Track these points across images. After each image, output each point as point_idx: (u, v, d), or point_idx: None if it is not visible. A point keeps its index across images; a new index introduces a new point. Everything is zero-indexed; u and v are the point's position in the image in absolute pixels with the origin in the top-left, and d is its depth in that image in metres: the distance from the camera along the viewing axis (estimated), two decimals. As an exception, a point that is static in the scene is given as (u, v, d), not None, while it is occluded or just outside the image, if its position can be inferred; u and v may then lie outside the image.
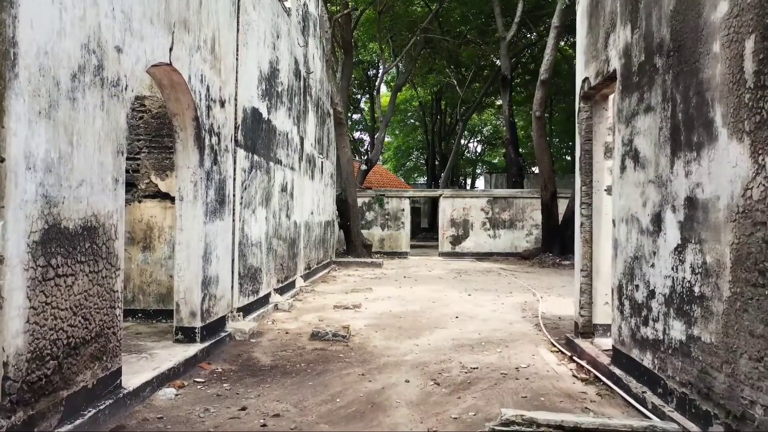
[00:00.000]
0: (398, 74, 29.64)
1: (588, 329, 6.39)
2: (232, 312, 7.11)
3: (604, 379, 5.17)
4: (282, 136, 9.79)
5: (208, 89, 6.16)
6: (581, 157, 6.51)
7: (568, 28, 17.53)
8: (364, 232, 20.18)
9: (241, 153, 7.41)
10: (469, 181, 53.52)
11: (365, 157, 27.23)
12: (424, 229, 37.30)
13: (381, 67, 29.42)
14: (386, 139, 48.57)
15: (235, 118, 7.21)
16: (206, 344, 5.99)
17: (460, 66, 30.62)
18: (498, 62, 29.73)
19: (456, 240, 21.01)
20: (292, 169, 10.67)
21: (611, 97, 6.34)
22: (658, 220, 4.35)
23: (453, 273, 15.32)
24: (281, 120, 9.68)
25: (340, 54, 22.64)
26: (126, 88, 4.36)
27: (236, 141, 7.24)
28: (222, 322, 6.73)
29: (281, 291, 9.79)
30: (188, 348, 5.74)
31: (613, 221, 5.35)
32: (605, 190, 6.41)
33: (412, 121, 44.91)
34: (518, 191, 21.55)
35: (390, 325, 7.91)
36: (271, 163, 9.03)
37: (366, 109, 38.78)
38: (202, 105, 6.01)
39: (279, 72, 9.48)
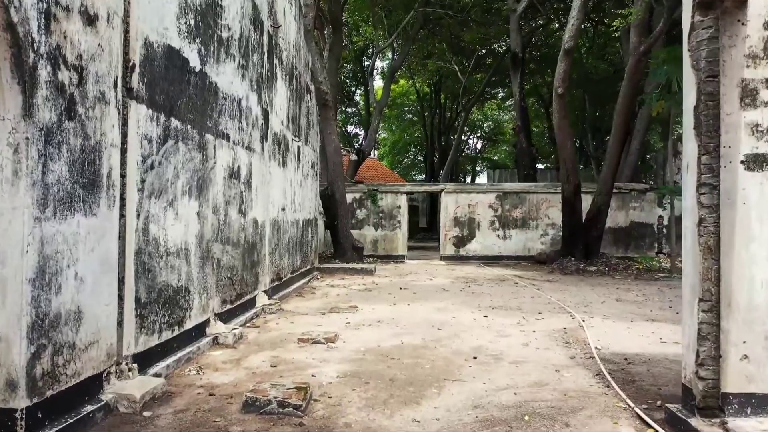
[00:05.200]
0: (393, 55, 26.92)
1: (712, 402, 3.72)
2: (118, 364, 4.42)
3: None
4: (230, 102, 7.09)
5: (46, -18, 3.48)
6: (697, 105, 3.83)
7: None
8: (354, 232, 17.49)
9: (141, 111, 4.72)
10: (469, 179, 50.81)
11: (358, 147, 24.51)
12: (423, 228, 34.69)
13: (375, 49, 26.65)
14: (382, 135, 45.79)
15: (126, 53, 4.51)
16: (39, 438, 3.31)
17: (462, 52, 27.82)
18: (500, 50, 27.11)
19: (460, 241, 18.29)
20: (249, 149, 7.97)
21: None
22: None
23: (459, 282, 12.62)
24: (228, 78, 6.99)
25: (329, 32, 19.96)
26: None
27: (129, 90, 4.55)
28: (92, 386, 4.03)
29: (229, 315, 7.10)
30: (-14, 456, 3.06)
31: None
32: (742, 162, 3.75)
33: (410, 116, 42.20)
34: (532, 185, 18.79)
35: (376, 375, 5.23)
36: (209, 136, 6.34)
37: (361, 103, 36.03)
38: (28, 6, 3.33)
39: (223, 10, 6.78)
